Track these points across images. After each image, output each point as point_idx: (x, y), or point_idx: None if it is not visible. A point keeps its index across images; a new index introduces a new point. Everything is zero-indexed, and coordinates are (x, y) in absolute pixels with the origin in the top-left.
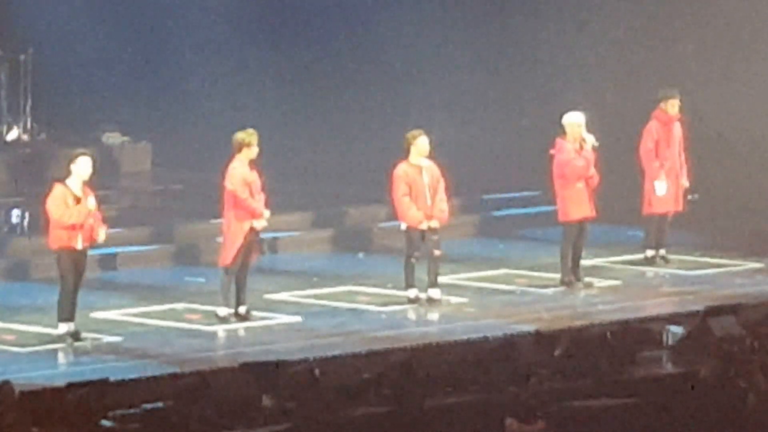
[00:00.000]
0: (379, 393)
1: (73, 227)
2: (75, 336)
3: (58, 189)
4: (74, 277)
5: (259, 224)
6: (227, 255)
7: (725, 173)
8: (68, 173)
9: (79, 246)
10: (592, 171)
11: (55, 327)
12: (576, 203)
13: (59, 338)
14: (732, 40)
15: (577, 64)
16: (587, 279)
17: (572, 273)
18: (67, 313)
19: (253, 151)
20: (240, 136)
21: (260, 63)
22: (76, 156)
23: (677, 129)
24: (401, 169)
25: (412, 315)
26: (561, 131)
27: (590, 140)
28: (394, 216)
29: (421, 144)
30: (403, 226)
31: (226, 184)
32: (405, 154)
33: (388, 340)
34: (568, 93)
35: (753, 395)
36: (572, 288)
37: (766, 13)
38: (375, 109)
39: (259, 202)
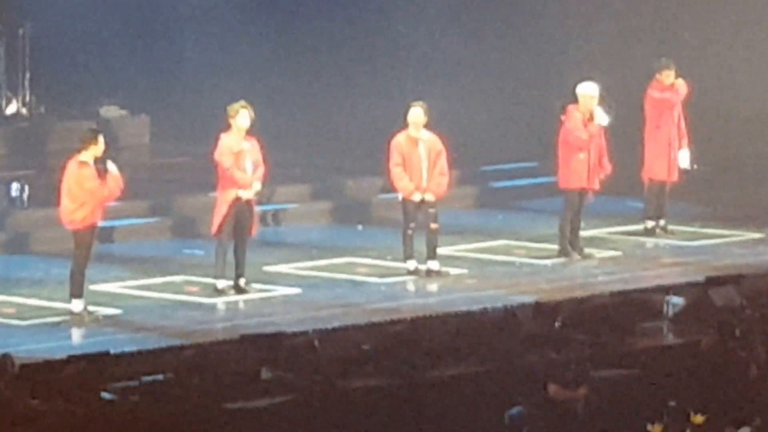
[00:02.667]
0: (379, 365)
1: (102, 201)
2: (87, 311)
3: (86, 168)
4: (90, 253)
5: (245, 194)
6: (214, 224)
7: (725, 144)
8: (87, 149)
9: (99, 221)
10: (596, 145)
11: (55, 300)
12: (576, 173)
13: (76, 315)
14: (731, 10)
15: (576, 35)
16: (587, 250)
17: (571, 244)
18: (81, 289)
19: (239, 122)
20: (229, 107)
21: (259, 35)
22: (97, 134)
23: (675, 96)
24: (397, 139)
25: (411, 287)
26: (574, 99)
27: (600, 118)
28: (389, 187)
29: (411, 114)
30: (400, 197)
31: (214, 154)
32: (406, 125)
33: (387, 312)
34: (567, 64)
35: (754, 366)
36: (570, 258)
37: None
38: (374, 80)
39: (247, 173)
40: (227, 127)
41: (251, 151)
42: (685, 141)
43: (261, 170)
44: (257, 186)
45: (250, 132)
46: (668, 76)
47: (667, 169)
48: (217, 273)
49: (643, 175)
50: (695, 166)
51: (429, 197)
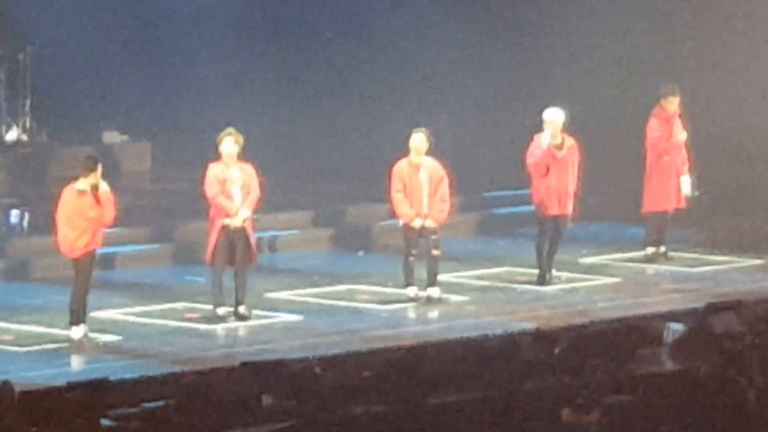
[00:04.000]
0: (380, 392)
1: (104, 227)
2: (87, 337)
3: (85, 197)
4: (90, 280)
5: (232, 222)
6: (207, 252)
7: (726, 170)
8: (86, 177)
9: (98, 248)
10: (562, 171)
11: (55, 327)
12: (544, 199)
13: (76, 341)
14: (732, 37)
15: (578, 61)
16: (556, 273)
17: (544, 266)
18: (80, 316)
19: (224, 149)
20: (219, 135)
21: (260, 61)
22: (96, 161)
23: (677, 125)
24: (398, 165)
25: (412, 313)
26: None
27: (545, 140)
28: (391, 214)
29: (412, 140)
30: (401, 224)
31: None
32: (407, 152)
33: (388, 339)
34: (569, 90)
35: (753, 392)
36: (547, 284)
37: (766, 9)
38: (375, 107)
39: (234, 200)
40: (218, 155)
41: (240, 178)
42: (686, 168)
43: (252, 197)
44: (245, 213)
45: (244, 158)
46: (672, 103)
47: (671, 199)
48: (214, 301)
49: (646, 206)
50: (696, 193)
51: (430, 223)
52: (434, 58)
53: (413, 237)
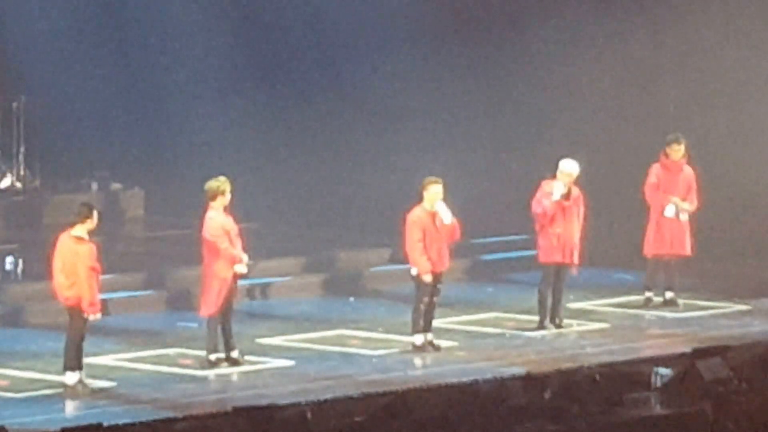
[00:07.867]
0: None
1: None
2: (82, 383)
3: (83, 245)
4: (85, 327)
5: (241, 269)
6: (211, 304)
7: (714, 216)
8: (82, 224)
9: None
10: (570, 220)
11: (50, 372)
12: (549, 247)
13: (70, 387)
14: (731, 85)
15: (568, 108)
16: (567, 321)
17: (552, 316)
18: (75, 362)
19: (227, 198)
20: (214, 184)
21: (252, 109)
22: (92, 208)
23: (685, 173)
24: (416, 214)
25: (402, 358)
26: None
27: (557, 191)
28: (405, 260)
29: (432, 191)
30: (414, 272)
31: (204, 235)
32: (419, 199)
33: (378, 384)
34: (558, 137)
35: None
36: (547, 331)
37: (764, 56)
38: (364, 154)
39: (238, 247)
40: (206, 204)
41: (233, 226)
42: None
43: (239, 242)
44: (246, 258)
45: (235, 205)
46: (677, 151)
47: (667, 243)
48: (210, 347)
49: (645, 249)
50: (681, 216)
51: (442, 270)
52: (423, 105)
53: (427, 285)
